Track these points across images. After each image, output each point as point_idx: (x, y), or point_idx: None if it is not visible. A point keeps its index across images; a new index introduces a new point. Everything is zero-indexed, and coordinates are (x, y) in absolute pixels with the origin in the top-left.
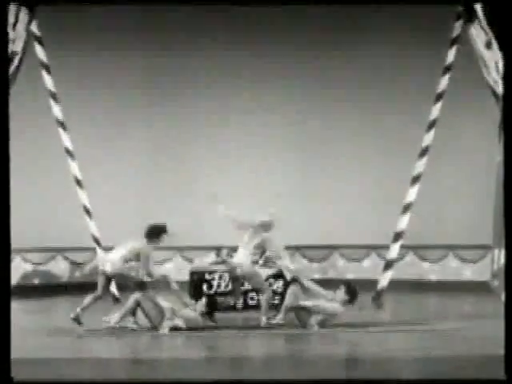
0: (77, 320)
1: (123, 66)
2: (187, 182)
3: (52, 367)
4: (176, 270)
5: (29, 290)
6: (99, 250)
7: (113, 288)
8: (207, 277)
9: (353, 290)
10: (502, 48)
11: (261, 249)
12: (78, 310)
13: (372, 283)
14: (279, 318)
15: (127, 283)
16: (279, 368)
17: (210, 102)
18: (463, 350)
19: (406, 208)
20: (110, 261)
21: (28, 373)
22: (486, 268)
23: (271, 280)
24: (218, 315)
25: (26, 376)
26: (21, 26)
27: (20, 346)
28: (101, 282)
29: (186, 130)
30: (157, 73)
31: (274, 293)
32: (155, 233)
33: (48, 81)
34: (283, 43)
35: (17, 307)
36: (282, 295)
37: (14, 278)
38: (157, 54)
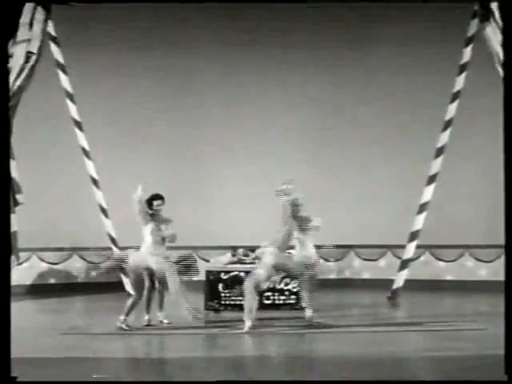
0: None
1: (137, 66)
2: (203, 182)
3: (66, 366)
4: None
5: (45, 290)
6: (115, 250)
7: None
8: (223, 276)
9: None
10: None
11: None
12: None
13: (388, 283)
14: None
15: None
16: (292, 368)
17: (225, 102)
18: (478, 350)
19: (422, 208)
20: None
21: (42, 372)
22: (501, 267)
23: (287, 280)
24: (227, 314)
25: (41, 375)
26: (37, 27)
27: (35, 345)
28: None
29: (202, 131)
30: (172, 72)
31: (290, 292)
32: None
33: (64, 81)
34: (298, 42)
35: (33, 306)
36: (297, 295)
37: (31, 277)
38: (173, 53)
